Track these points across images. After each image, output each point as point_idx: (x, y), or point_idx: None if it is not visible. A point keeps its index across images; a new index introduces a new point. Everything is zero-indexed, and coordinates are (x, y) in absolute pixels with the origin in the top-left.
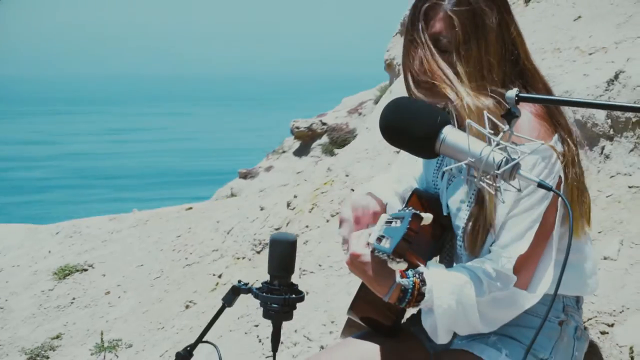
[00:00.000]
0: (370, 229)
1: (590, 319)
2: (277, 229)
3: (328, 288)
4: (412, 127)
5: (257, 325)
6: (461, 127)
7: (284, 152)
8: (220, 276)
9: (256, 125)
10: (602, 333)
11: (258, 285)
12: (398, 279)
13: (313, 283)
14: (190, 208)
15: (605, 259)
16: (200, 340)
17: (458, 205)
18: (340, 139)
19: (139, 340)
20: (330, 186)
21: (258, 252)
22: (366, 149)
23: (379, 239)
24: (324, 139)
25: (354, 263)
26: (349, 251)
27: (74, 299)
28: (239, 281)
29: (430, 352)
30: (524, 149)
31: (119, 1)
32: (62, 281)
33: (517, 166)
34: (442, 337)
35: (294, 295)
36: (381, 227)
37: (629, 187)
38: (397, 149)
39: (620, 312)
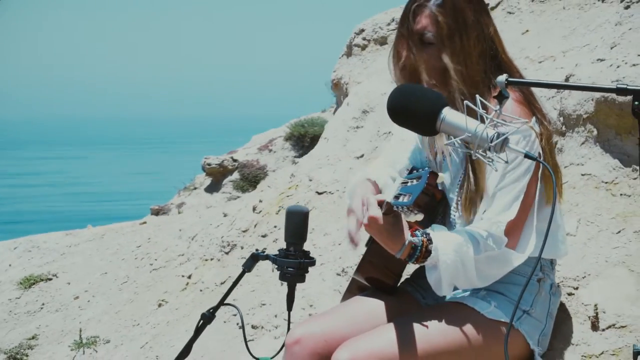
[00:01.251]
0: (378, 196)
1: (558, 283)
2: (244, 231)
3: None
4: (415, 107)
5: (235, 315)
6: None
7: (195, 188)
8: (189, 277)
9: (157, 166)
10: (569, 294)
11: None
12: (409, 237)
13: None
14: (145, 222)
15: (567, 235)
16: (222, 302)
17: (450, 179)
18: (251, 175)
19: (115, 336)
20: (295, 190)
21: (227, 253)
22: (327, 156)
23: (396, 197)
24: (235, 175)
25: (372, 225)
26: (367, 214)
27: (43, 304)
28: (257, 249)
29: (424, 308)
30: (512, 125)
31: (8, 46)
32: (28, 290)
33: (506, 140)
34: (445, 290)
35: (307, 260)
36: (397, 187)
37: (582, 174)
38: (359, 155)
39: (583, 278)
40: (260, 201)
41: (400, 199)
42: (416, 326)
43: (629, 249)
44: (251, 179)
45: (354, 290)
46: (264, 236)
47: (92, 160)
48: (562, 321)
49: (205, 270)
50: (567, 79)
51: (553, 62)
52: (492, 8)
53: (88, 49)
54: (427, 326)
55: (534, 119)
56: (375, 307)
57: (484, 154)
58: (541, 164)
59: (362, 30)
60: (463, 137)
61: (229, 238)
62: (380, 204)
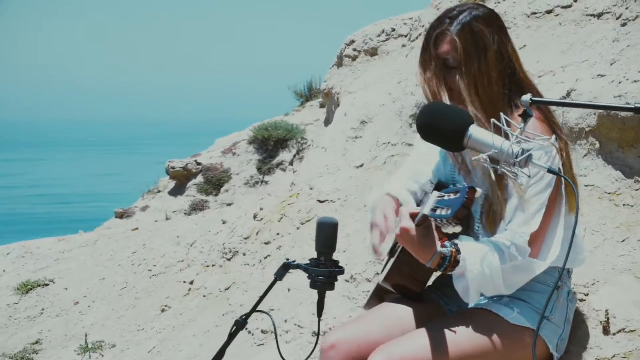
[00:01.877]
0: (411, 208)
1: (574, 291)
2: (246, 238)
3: (308, 284)
4: (444, 125)
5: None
6: None
7: (159, 191)
8: (192, 282)
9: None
10: (581, 300)
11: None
12: (439, 248)
13: (295, 280)
14: (137, 229)
15: None
16: (254, 310)
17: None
18: (215, 178)
19: (121, 341)
20: (296, 198)
21: (229, 260)
22: (327, 165)
23: (434, 210)
24: (199, 178)
25: (405, 236)
26: (400, 226)
27: (43, 309)
28: (288, 259)
29: (451, 314)
30: (535, 143)
31: None
32: (26, 295)
33: (530, 156)
34: (472, 298)
35: (337, 269)
36: (434, 201)
37: (585, 185)
38: (359, 164)
39: (592, 285)
40: (261, 209)
41: (439, 212)
42: (446, 332)
43: (634, 257)
44: (215, 182)
45: (380, 297)
46: (267, 243)
47: (52, 162)
48: (577, 326)
49: (208, 276)
50: (568, 94)
51: (553, 77)
52: None
53: (47, 50)
54: (455, 332)
55: (554, 136)
56: (403, 313)
57: (510, 169)
58: (562, 179)
59: (353, 42)
60: (490, 154)
61: (230, 245)
62: (413, 216)
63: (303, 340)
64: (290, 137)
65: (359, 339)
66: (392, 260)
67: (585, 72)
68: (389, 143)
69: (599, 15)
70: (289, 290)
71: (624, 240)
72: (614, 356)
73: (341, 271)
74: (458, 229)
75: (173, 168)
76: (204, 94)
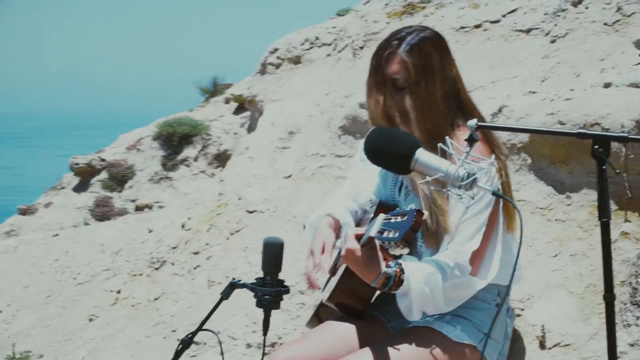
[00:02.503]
0: (356, 229)
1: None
2: (174, 248)
3: (241, 296)
4: (391, 149)
5: (174, 331)
6: None
7: (63, 188)
8: (119, 291)
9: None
10: (517, 315)
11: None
12: (384, 268)
13: None
14: (57, 235)
15: None
16: (200, 328)
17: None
18: (119, 174)
19: (49, 351)
20: (225, 208)
21: (157, 269)
22: (255, 175)
23: (380, 232)
24: (104, 174)
25: (350, 257)
26: (346, 247)
27: None
28: (233, 278)
29: (391, 332)
30: (479, 165)
31: None
32: None
33: (475, 180)
34: (415, 316)
35: (283, 288)
36: (380, 223)
37: (518, 200)
38: (287, 175)
39: (527, 299)
40: (189, 219)
41: (385, 234)
42: (390, 350)
43: (566, 272)
44: (119, 178)
45: (322, 314)
46: (195, 253)
47: None
48: (514, 341)
49: (135, 285)
50: (500, 110)
51: (483, 92)
52: None
53: None
54: (399, 349)
55: (493, 155)
56: (347, 331)
57: (455, 192)
58: (497, 196)
59: (276, 50)
60: (437, 177)
61: (158, 254)
62: (358, 237)
63: (237, 352)
64: (195, 133)
65: (306, 358)
66: (335, 279)
67: (516, 88)
68: (317, 154)
69: (528, 31)
70: (220, 298)
71: (556, 255)
72: None
73: (287, 290)
74: (405, 251)
75: (77, 164)
76: (105, 86)
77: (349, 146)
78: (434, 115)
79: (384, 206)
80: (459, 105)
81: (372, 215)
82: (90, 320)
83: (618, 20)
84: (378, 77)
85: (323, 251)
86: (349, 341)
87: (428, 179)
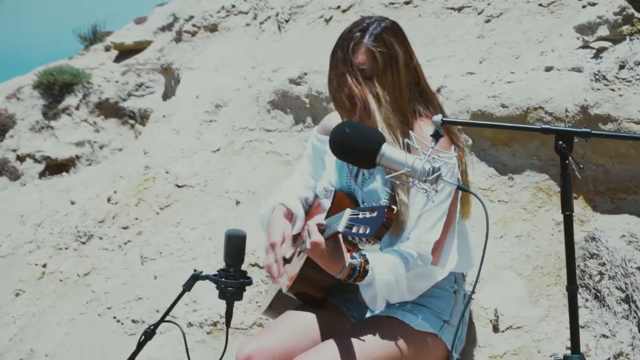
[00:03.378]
0: (321, 222)
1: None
2: (101, 222)
3: (175, 272)
4: (357, 145)
5: (109, 308)
6: None
7: None
8: (44, 265)
9: None
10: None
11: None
12: (349, 260)
13: (158, 268)
14: None
15: None
16: (162, 320)
17: (375, 201)
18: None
19: None
20: (152, 182)
21: (84, 243)
22: (182, 149)
23: (349, 227)
24: None
25: (315, 250)
26: (310, 240)
27: None
28: (195, 269)
29: (352, 321)
30: (444, 160)
31: None
32: None
33: (440, 174)
34: (379, 306)
35: (246, 280)
36: (347, 218)
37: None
38: (215, 148)
39: (477, 283)
40: (115, 192)
41: (355, 230)
42: (355, 341)
43: (513, 254)
44: (0, 128)
45: (281, 304)
46: (125, 228)
47: None
48: (469, 325)
49: (61, 259)
50: (438, 90)
51: None
52: (344, 10)
53: None
54: (364, 340)
55: (452, 146)
56: (310, 321)
57: (420, 186)
58: (463, 190)
59: (192, 17)
60: (403, 172)
61: (84, 228)
62: (321, 229)
63: (177, 331)
64: (76, 82)
65: (274, 349)
66: (294, 268)
67: (453, 68)
68: (246, 128)
69: (460, 9)
70: (155, 277)
71: (501, 237)
72: (505, 353)
73: (250, 282)
74: (376, 246)
75: None
76: None
77: (279, 121)
78: (400, 103)
79: (343, 194)
80: (420, 93)
81: (329, 204)
82: (17, 295)
83: (553, 2)
84: (344, 68)
85: (283, 242)
86: (312, 331)
87: (393, 174)
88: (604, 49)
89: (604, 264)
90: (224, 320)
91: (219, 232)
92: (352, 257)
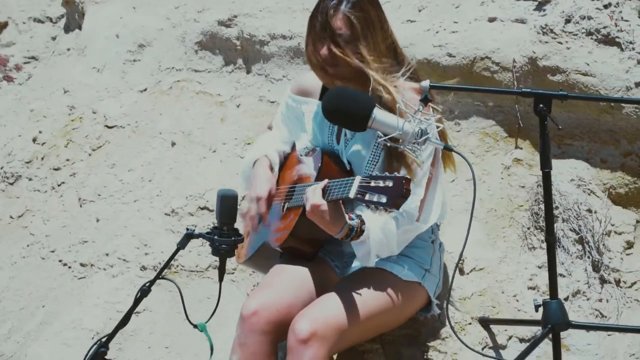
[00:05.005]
0: (319, 184)
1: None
2: (28, 162)
3: (118, 214)
4: (350, 109)
5: (53, 251)
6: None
7: None
8: None
9: None
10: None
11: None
12: (348, 221)
13: (99, 210)
14: None
15: None
16: (158, 277)
17: (359, 162)
18: None
19: None
20: (80, 122)
21: (12, 184)
22: (106, 88)
23: (361, 194)
24: None
25: (315, 212)
26: (310, 202)
27: None
28: (187, 228)
29: (336, 271)
30: (431, 122)
31: None
32: None
33: (429, 136)
34: (372, 262)
35: (238, 237)
36: (357, 185)
37: None
38: (142, 88)
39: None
40: (40, 132)
41: (368, 197)
42: (354, 294)
43: (466, 197)
44: None
45: (260, 256)
46: (56, 169)
47: None
48: None
49: None
50: None
51: None
52: None
53: None
54: (361, 293)
55: (431, 109)
56: (303, 275)
57: (410, 148)
58: (450, 150)
59: None
60: (394, 135)
61: (10, 168)
62: (323, 191)
63: (131, 274)
64: None
65: (277, 304)
66: (283, 224)
67: (391, 16)
68: (173, 68)
69: None
70: (97, 220)
71: (453, 180)
72: (472, 294)
73: (242, 239)
74: (392, 214)
75: None
76: None
77: (208, 61)
78: (382, 67)
79: (329, 154)
80: (395, 57)
81: (315, 163)
82: None
83: None
84: (322, 34)
85: (269, 195)
86: (307, 284)
87: (384, 137)
88: (546, 1)
89: (556, 207)
90: (177, 263)
91: (158, 173)
92: (350, 218)
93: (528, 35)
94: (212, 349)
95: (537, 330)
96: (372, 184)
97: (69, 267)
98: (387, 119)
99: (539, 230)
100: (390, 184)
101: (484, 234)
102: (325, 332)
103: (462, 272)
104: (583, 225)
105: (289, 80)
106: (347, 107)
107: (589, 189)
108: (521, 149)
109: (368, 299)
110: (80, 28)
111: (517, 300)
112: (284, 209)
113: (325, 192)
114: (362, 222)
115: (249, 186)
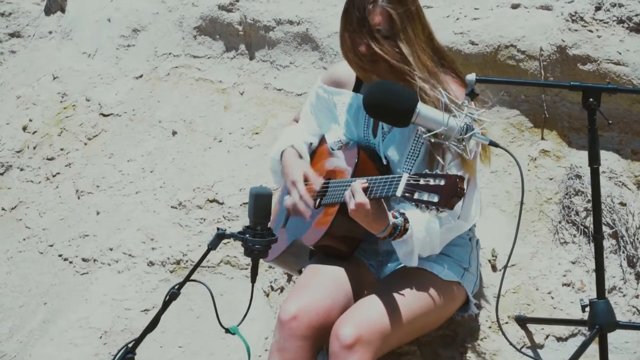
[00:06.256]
0: (359, 180)
1: None
2: (19, 151)
3: (120, 207)
4: (394, 104)
5: (52, 245)
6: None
7: None
8: None
9: None
10: None
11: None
12: (392, 220)
13: (99, 203)
14: None
15: None
16: (187, 279)
17: (397, 157)
18: None
19: None
20: (73, 110)
21: (1, 174)
22: (99, 75)
23: (410, 193)
24: None
25: (360, 210)
26: (355, 201)
27: None
28: (218, 228)
29: (371, 271)
30: (477, 117)
31: None
32: None
33: (475, 132)
34: (414, 261)
35: (273, 237)
36: (404, 183)
37: None
38: (138, 75)
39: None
40: (31, 120)
41: (417, 196)
42: (396, 296)
43: (492, 189)
44: None
45: (289, 255)
46: (50, 159)
47: None
48: None
49: None
50: None
51: None
52: None
53: None
54: (404, 294)
55: (473, 102)
56: (340, 276)
57: (456, 144)
58: (495, 146)
59: None
60: (440, 131)
61: (1, 158)
62: (365, 189)
63: (138, 270)
64: None
65: (316, 307)
66: (318, 221)
67: None
68: (170, 54)
69: None
70: (97, 213)
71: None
72: (506, 292)
73: (275, 239)
74: (444, 214)
75: None
76: None
77: (208, 47)
78: (423, 61)
79: (364, 149)
80: (433, 50)
81: (354, 158)
82: None
83: None
84: (359, 31)
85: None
86: (344, 285)
87: (429, 133)
88: None
89: (589, 201)
90: (187, 258)
91: (160, 163)
92: (394, 217)
93: (555, 23)
94: (249, 352)
95: (574, 328)
96: (422, 182)
97: (70, 262)
98: (431, 114)
99: (571, 224)
100: (442, 182)
101: (513, 228)
102: (369, 337)
103: (494, 268)
104: (617, 219)
105: (297, 67)
106: (390, 101)
107: (620, 181)
108: (547, 140)
109: (410, 300)
110: (62, 10)
111: (552, 298)
112: (316, 206)
113: (367, 189)
114: (406, 221)
115: (280, 178)
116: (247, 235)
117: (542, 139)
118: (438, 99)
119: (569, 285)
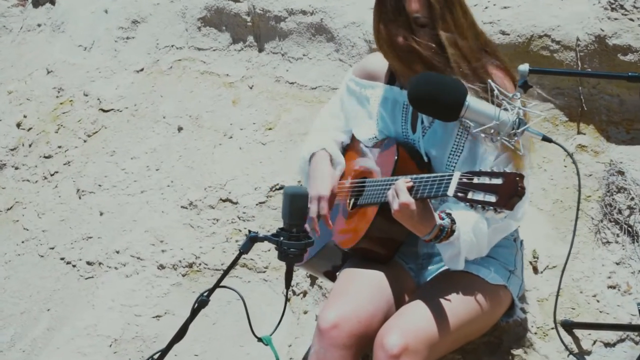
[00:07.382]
0: (402, 179)
1: None
2: (13, 149)
3: (124, 207)
4: (443, 97)
5: (53, 248)
6: None
7: None
8: None
9: None
10: None
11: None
12: (438, 221)
13: (101, 203)
14: None
15: None
16: (217, 285)
17: (440, 153)
18: None
19: None
20: (71, 106)
21: None
22: (97, 68)
23: (463, 192)
24: None
25: (404, 211)
26: (399, 201)
27: None
28: (249, 230)
29: (411, 274)
30: (530, 111)
31: None
32: None
33: (528, 126)
34: (460, 264)
35: (309, 240)
36: (456, 182)
37: None
38: (138, 68)
39: None
40: (25, 117)
41: (471, 195)
42: (442, 302)
43: (528, 187)
44: None
45: (318, 260)
46: (47, 157)
47: None
48: None
49: None
50: None
51: None
52: None
53: None
54: (450, 300)
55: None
56: (379, 281)
57: (508, 139)
58: (548, 141)
59: None
60: (491, 125)
61: None
62: (410, 189)
63: (148, 273)
64: None
65: (357, 315)
66: (354, 224)
67: None
68: (172, 46)
69: None
70: (101, 214)
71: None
72: (550, 295)
73: (311, 242)
74: (502, 216)
75: None
76: None
77: (213, 39)
78: (466, 49)
79: (404, 146)
80: (476, 37)
81: (393, 156)
82: None
83: None
84: (395, 20)
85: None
86: (384, 291)
87: (480, 128)
88: None
89: (632, 198)
90: (200, 261)
91: (167, 161)
92: (441, 218)
93: (592, 12)
94: None
95: (622, 333)
96: (475, 180)
97: (74, 266)
98: (482, 108)
99: (613, 223)
100: (499, 181)
101: (551, 227)
102: (416, 346)
103: (536, 270)
104: None
105: (310, 59)
106: (437, 94)
107: None
108: (584, 134)
109: (457, 306)
110: (52, 2)
111: (598, 301)
112: (350, 206)
113: (412, 188)
114: (453, 222)
115: (308, 184)
116: (282, 238)
117: (579, 133)
118: (484, 91)
119: (614, 287)
